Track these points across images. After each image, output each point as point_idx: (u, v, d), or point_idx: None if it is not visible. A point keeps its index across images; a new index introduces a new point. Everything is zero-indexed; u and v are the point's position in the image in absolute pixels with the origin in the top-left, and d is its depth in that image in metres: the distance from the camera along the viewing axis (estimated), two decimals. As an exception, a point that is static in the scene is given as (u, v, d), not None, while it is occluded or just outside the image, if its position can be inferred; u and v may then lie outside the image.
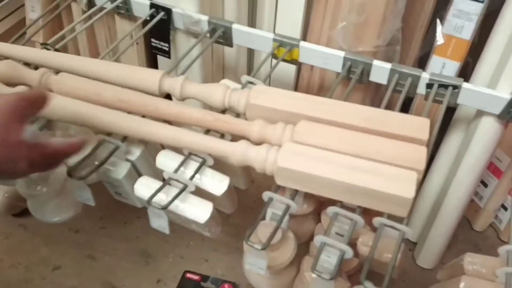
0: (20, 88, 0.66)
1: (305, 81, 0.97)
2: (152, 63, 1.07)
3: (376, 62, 0.76)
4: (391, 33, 0.77)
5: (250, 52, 1.07)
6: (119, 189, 0.71)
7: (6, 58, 0.73)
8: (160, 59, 1.04)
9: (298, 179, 0.58)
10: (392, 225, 0.57)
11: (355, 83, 0.76)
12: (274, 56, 0.83)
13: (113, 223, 1.11)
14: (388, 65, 0.75)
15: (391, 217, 0.57)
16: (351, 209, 0.59)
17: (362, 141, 0.59)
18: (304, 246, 0.73)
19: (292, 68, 0.96)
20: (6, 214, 1.11)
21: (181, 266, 1.03)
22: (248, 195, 1.14)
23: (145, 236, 1.09)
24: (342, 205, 0.59)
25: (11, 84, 0.68)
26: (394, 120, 0.61)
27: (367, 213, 0.59)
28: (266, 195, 0.60)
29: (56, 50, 0.77)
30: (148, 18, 0.88)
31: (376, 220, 0.58)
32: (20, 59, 0.73)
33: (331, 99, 0.65)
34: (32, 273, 1.03)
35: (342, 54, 0.77)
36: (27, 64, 0.73)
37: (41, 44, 0.77)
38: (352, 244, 0.59)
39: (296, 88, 1.00)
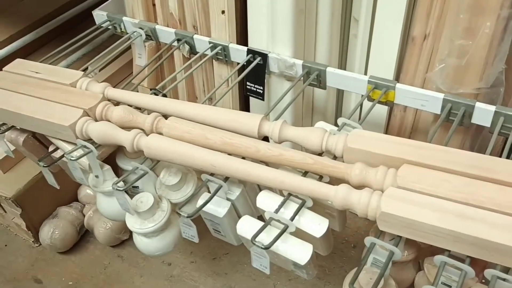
0: (134, 132, 0.72)
1: (398, 122, 0.96)
2: (244, 105, 1.12)
3: (479, 104, 0.74)
4: (494, 75, 0.75)
5: (339, 94, 1.08)
6: (218, 226, 0.74)
7: (118, 103, 0.81)
8: (252, 100, 1.08)
9: (402, 225, 0.56)
10: (506, 278, 0.54)
11: (456, 126, 0.74)
12: (368, 98, 0.83)
13: (203, 258, 1.15)
14: (492, 108, 0.73)
15: (504, 269, 0.54)
16: (459, 258, 0.57)
17: (471, 187, 0.57)
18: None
19: (384, 108, 0.96)
20: (106, 245, 1.18)
21: (268, 306, 1.04)
22: (335, 237, 1.13)
23: (233, 273, 1.11)
24: (450, 254, 0.57)
25: (125, 127, 0.74)
26: (504, 167, 0.59)
27: (476, 263, 0.56)
28: (368, 240, 0.59)
29: (164, 95, 0.83)
30: (245, 63, 0.93)
31: (488, 272, 0.55)
32: (133, 104, 0.79)
33: (432, 144, 0.64)
34: (128, 303, 1.08)
35: (441, 96, 0.76)
36: (137, 108, 0.80)
37: (151, 89, 0.84)
38: (461, 296, 0.56)
39: (387, 128, 0.99)
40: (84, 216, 1.19)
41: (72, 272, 1.15)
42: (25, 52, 1.41)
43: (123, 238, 1.17)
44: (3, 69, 0.89)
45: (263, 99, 0.98)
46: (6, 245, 1.24)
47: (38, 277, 1.15)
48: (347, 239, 1.11)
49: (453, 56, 0.78)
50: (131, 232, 1.18)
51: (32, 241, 1.22)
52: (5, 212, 1.22)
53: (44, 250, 1.20)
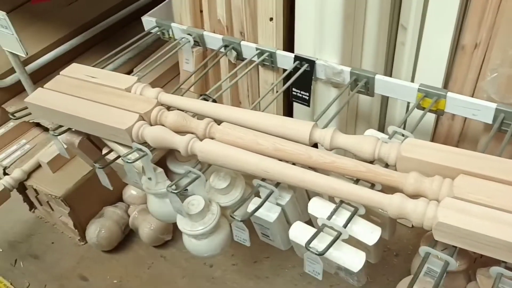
0: (188, 136, 0.74)
1: (445, 130, 0.95)
2: (288, 110, 1.13)
3: (532, 115, 0.73)
4: (550, 85, 0.74)
5: (383, 100, 1.08)
6: (267, 231, 0.75)
7: (171, 107, 0.83)
8: (296, 106, 1.09)
9: (459, 235, 0.56)
10: None
11: (510, 137, 0.73)
12: (418, 106, 0.83)
13: (244, 261, 1.16)
14: (547, 118, 0.72)
15: None
16: (515, 270, 0.57)
17: (529, 199, 0.57)
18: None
19: (431, 116, 0.95)
20: (150, 245, 1.21)
21: (309, 311, 1.05)
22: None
23: (274, 277, 1.12)
24: (506, 266, 0.57)
25: (179, 132, 0.77)
26: None
27: (533, 276, 0.56)
28: (423, 250, 0.59)
29: (214, 100, 0.85)
30: (291, 69, 0.94)
31: (547, 285, 0.54)
32: (184, 109, 0.81)
33: (487, 154, 0.64)
34: (170, 302, 1.11)
35: (494, 105, 0.76)
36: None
37: (200, 95, 0.86)
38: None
39: (433, 136, 0.99)
40: (128, 216, 1.23)
41: (116, 271, 1.18)
42: (72, 56, 1.47)
43: (166, 239, 1.19)
44: (60, 73, 0.92)
45: (308, 105, 0.99)
46: (53, 243, 1.28)
47: (84, 275, 1.19)
48: (389, 247, 1.11)
49: (506, 65, 0.78)
50: (174, 233, 1.21)
51: (78, 240, 1.26)
52: (53, 210, 1.27)
53: (89, 248, 1.24)
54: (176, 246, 1.19)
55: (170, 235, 1.20)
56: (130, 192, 1.25)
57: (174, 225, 1.11)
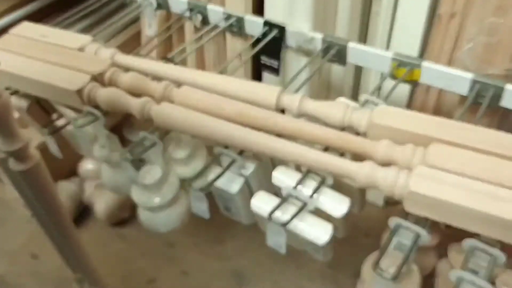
0: (144, 99, 0.68)
1: (419, 102, 0.92)
2: (256, 80, 1.08)
3: (509, 87, 0.70)
4: (527, 55, 0.71)
5: (357, 71, 1.04)
6: (230, 203, 0.70)
7: (128, 69, 0.77)
8: (265, 76, 1.04)
9: (431, 206, 0.53)
10: (540, 265, 0.50)
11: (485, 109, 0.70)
12: (391, 76, 0.79)
13: (207, 241, 1.11)
14: (523, 90, 0.69)
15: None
16: (488, 243, 0.54)
17: (504, 168, 0.53)
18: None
19: (405, 89, 0.92)
20: (106, 223, 1.14)
21: (274, 291, 1.01)
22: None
23: (238, 257, 1.07)
24: (479, 239, 0.54)
25: (135, 94, 0.70)
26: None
27: (506, 249, 0.53)
28: (393, 221, 0.56)
29: (176, 64, 0.79)
30: (260, 36, 0.88)
31: (521, 258, 0.51)
32: (143, 71, 0.75)
33: (462, 122, 0.60)
34: (127, 283, 1.05)
35: (470, 76, 0.72)
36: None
37: (162, 58, 0.80)
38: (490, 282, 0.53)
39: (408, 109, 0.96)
40: (84, 191, 1.15)
41: (70, 249, 1.11)
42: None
43: (123, 216, 1.13)
44: (9, 31, 0.84)
45: (278, 75, 0.94)
46: (3, 220, 1.20)
47: (35, 252, 1.12)
48: (359, 225, 1.07)
49: (482, 35, 0.74)
50: (131, 211, 1.15)
51: (30, 216, 1.18)
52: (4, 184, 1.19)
53: (42, 225, 1.16)
54: (134, 226, 1.13)
55: (128, 212, 1.13)
56: (86, 166, 1.18)
57: (133, 203, 1.05)
